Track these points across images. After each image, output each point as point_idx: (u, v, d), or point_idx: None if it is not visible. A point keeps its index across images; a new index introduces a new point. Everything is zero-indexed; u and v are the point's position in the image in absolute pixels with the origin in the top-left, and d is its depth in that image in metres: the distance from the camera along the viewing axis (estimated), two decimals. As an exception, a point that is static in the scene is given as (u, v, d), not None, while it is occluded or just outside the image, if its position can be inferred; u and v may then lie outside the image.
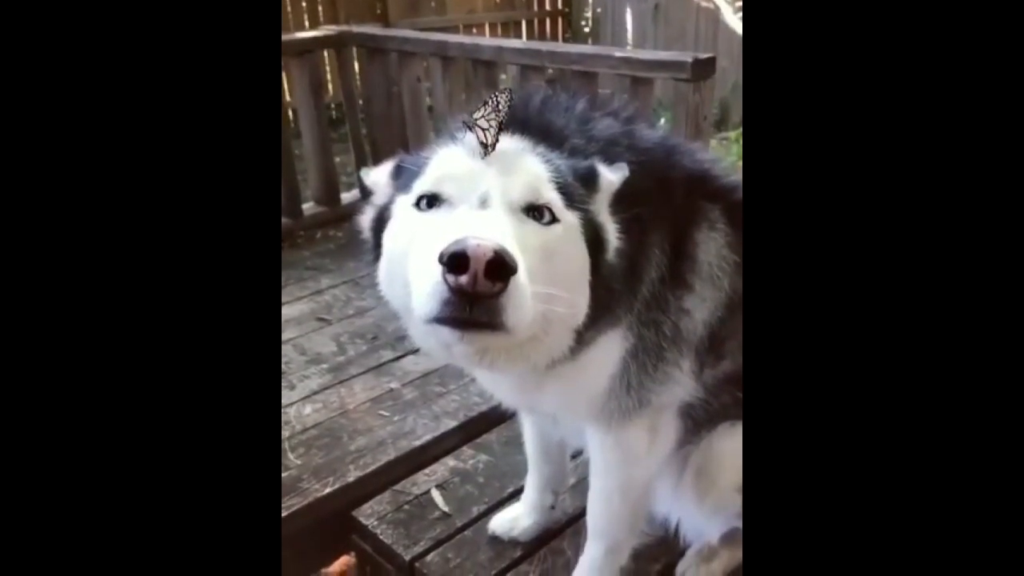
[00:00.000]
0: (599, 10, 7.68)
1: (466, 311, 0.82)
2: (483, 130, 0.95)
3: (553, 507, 1.64)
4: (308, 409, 2.09)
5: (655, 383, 1.18)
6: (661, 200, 1.11)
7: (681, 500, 1.38)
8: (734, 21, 6.39)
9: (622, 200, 1.04)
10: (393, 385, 2.19)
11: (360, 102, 3.68)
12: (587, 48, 3.33)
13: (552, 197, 0.96)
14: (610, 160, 1.05)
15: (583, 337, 1.04)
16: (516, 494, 1.71)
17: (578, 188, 1.00)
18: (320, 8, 6.71)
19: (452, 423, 2.01)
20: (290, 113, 4.00)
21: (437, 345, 0.99)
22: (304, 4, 6.65)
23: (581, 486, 1.60)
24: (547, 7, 7.94)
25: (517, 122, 1.03)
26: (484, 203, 0.93)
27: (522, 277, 0.83)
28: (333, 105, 5.46)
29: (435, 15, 7.09)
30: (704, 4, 6.61)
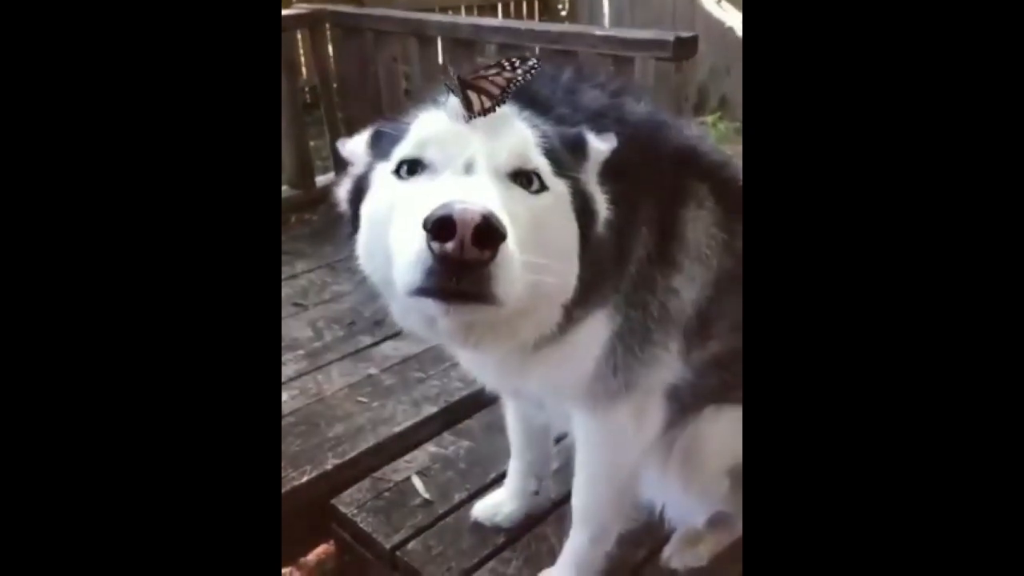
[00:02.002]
0: (576, -7, 7.61)
1: (452, 281, 0.77)
2: (479, 95, 0.90)
3: (537, 492, 1.61)
4: (285, 396, 2.04)
5: (642, 365, 1.15)
6: (648, 176, 1.08)
7: (667, 485, 1.35)
8: (711, 4, 6.37)
9: (608, 173, 1.01)
10: (372, 371, 2.14)
11: (335, 84, 3.59)
12: (566, 27, 3.29)
13: (540, 163, 0.92)
14: (597, 131, 1.01)
15: (570, 315, 1.00)
16: (499, 480, 1.68)
17: (566, 155, 0.96)
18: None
19: (432, 409, 1.97)
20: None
21: (420, 322, 0.94)
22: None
23: (565, 471, 1.57)
24: (523, -13, 7.84)
25: None
26: (469, 168, 0.89)
27: (511, 244, 0.79)
28: (307, 88, 5.34)
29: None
30: (682, -13, 6.57)
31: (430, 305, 0.83)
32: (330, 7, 3.36)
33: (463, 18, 4.78)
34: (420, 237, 0.77)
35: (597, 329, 1.08)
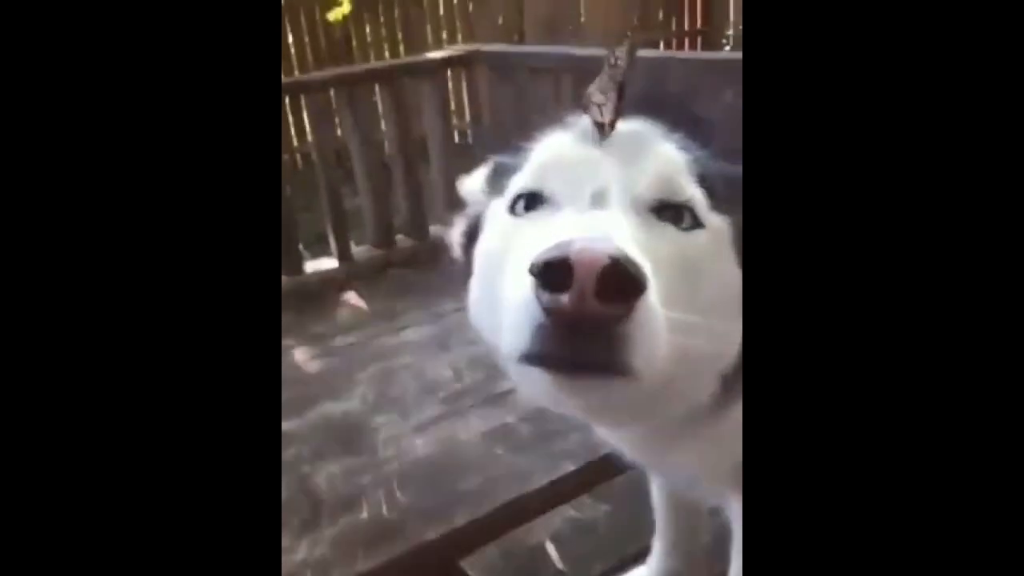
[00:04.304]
0: (740, 27, 7.33)
1: (570, 346, 0.59)
2: (598, 106, 0.75)
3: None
4: (419, 441, 1.98)
5: None
6: None
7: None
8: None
9: None
10: (509, 419, 2.03)
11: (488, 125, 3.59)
12: (721, 55, 3.10)
13: (693, 193, 0.74)
14: None
15: (734, 384, 0.78)
16: (643, 554, 1.49)
17: (729, 190, 0.76)
18: (460, 37, 6.81)
19: (571, 466, 1.81)
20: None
21: (542, 395, 0.74)
22: (444, 33, 6.78)
23: (720, 548, 1.37)
24: (685, 27, 7.67)
25: (649, 104, 0.83)
26: (599, 200, 0.71)
27: (652, 297, 0.61)
28: (458, 132, 5.41)
29: (572, 38, 7.00)
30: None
31: (541, 377, 0.64)
32: (485, 47, 3.37)
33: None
34: (527, 286, 0.60)
35: None
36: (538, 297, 0.58)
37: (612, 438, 1.05)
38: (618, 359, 0.60)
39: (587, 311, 0.57)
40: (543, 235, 0.65)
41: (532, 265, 0.58)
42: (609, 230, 0.65)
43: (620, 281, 0.57)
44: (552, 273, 0.57)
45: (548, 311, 0.58)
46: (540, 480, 1.77)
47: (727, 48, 7.54)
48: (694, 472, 0.99)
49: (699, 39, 7.68)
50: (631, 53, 0.75)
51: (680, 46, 7.64)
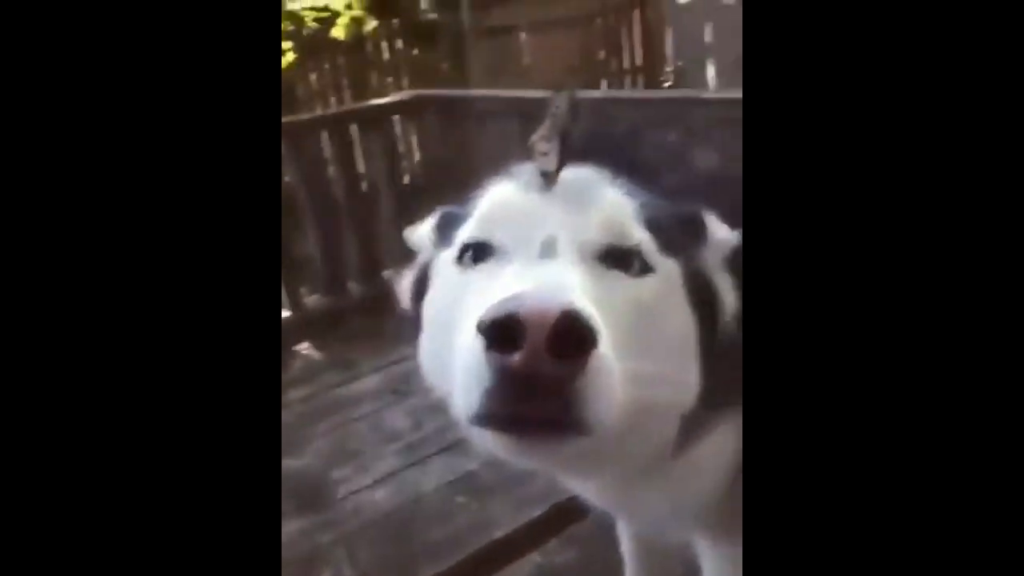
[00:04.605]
0: (680, 63, 7.54)
1: (522, 406, 0.56)
2: (543, 154, 0.74)
3: (657, 618, 1.38)
4: (380, 494, 1.93)
5: None
6: None
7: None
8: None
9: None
10: (471, 466, 1.99)
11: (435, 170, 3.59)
12: (673, 93, 3.17)
13: (642, 237, 0.73)
14: (720, 202, 0.81)
15: (693, 426, 0.78)
16: (614, 599, 1.47)
17: (676, 232, 0.76)
18: (405, 82, 6.85)
19: (537, 510, 1.78)
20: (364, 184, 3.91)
21: (496, 452, 0.70)
22: (390, 80, 6.80)
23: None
24: (625, 65, 7.86)
25: (593, 150, 0.82)
26: (548, 250, 0.69)
27: (606, 349, 0.58)
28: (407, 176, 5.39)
29: (517, 82, 7.09)
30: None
31: (495, 437, 0.62)
32: (429, 92, 3.40)
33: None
34: (477, 344, 0.56)
35: (728, 441, 0.85)
36: (487, 356, 0.56)
37: (576, 486, 1.03)
38: (572, 417, 0.57)
39: (539, 369, 0.54)
40: (492, 289, 0.64)
41: (480, 323, 0.56)
42: (559, 282, 0.63)
43: (572, 335, 0.54)
44: (501, 330, 0.54)
45: (498, 371, 0.55)
46: (506, 527, 1.74)
47: (667, 85, 7.74)
48: (659, 514, 0.97)
49: (640, 77, 7.87)
50: (572, 100, 0.75)
51: (621, 85, 7.82)
